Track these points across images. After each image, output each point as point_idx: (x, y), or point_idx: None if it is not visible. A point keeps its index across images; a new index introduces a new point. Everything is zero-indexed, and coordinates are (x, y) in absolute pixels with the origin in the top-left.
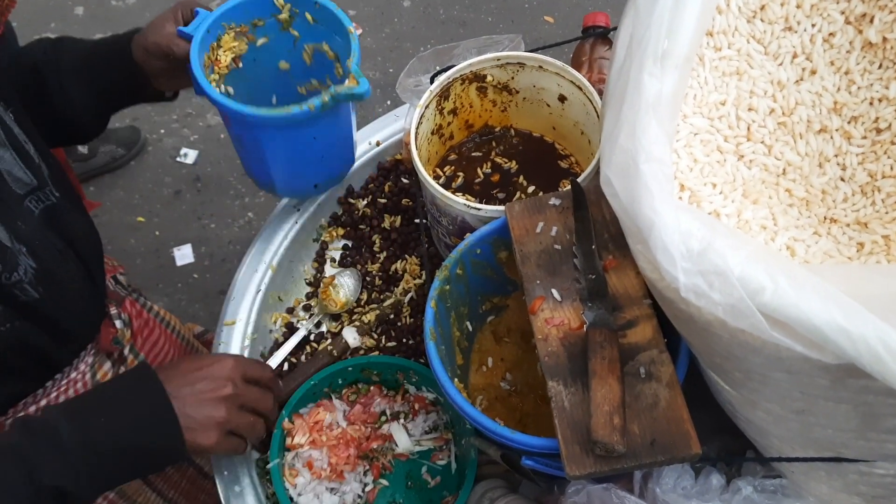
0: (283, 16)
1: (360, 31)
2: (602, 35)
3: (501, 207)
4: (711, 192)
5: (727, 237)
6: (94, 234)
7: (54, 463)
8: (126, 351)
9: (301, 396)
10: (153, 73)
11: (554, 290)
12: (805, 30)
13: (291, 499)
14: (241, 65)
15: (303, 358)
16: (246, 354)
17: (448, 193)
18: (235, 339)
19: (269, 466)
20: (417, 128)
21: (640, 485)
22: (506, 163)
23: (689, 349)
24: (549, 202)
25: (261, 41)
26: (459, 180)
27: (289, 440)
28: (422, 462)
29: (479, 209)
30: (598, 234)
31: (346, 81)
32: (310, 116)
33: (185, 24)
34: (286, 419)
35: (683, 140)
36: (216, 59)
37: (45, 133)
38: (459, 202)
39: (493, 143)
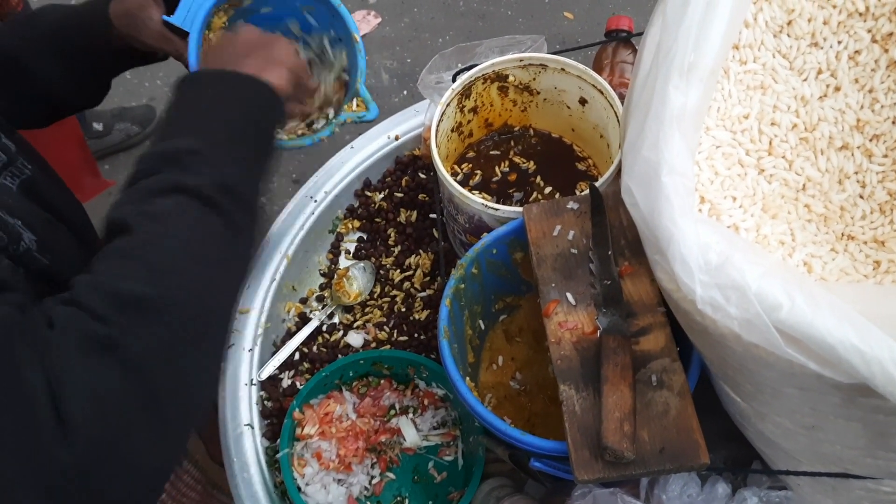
0: None
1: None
2: (625, 39)
3: (519, 208)
4: (731, 206)
5: (745, 252)
6: (76, 203)
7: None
8: None
9: (312, 387)
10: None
11: (569, 294)
12: (831, 46)
13: (299, 488)
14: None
15: (314, 349)
16: (259, 343)
17: (466, 192)
18: (249, 327)
19: (278, 455)
20: (438, 125)
21: (646, 490)
22: (524, 162)
23: (701, 359)
24: (566, 206)
25: (247, 2)
26: (477, 178)
27: (299, 430)
28: (429, 457)
29: (496, 209)
30: (615, 239)
31: (354, 104)
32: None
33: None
34: (297, 409)
35: (705, 152)
36: (208, 39)
37: (39, 111)
38: (477, 201)
39: (512, 143)
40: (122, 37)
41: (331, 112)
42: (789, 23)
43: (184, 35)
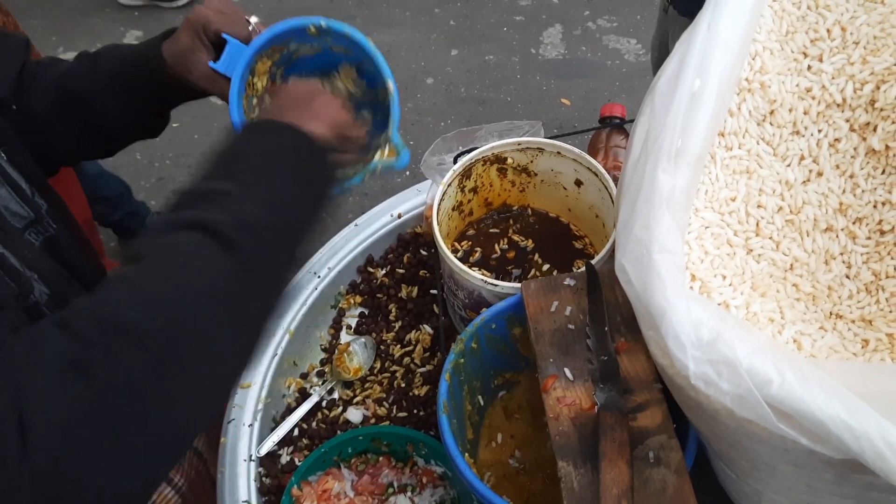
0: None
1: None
2: (618, 125)
3: (517, 284)
4: (721, 284)
5: (736, 329)
6: (97, 264)
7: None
8: None
9: (310, 464)
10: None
11: (566, 370)
12: (812, 135)
13: None
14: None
15: (314, 424)
16: (259, 418)
17: (465, 268)
18: (249, 401)
19: None
20: (439, 204)
21: None
22: (522, 241)
23: (698, 436)
24: (563, 282)
25: (293, 46)
26: (477, 255)
27: None
28: None
29: (495, 285)
30: (611, 316)
31: (386, 151)
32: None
33: (212, 44)
34: (295, 486)
35: (695, 233)
36: (252, 86)
37: (102, 143)
38: (477, 277)
39: (511, 221)
40: (175, 74)
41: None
42: (771, 112)
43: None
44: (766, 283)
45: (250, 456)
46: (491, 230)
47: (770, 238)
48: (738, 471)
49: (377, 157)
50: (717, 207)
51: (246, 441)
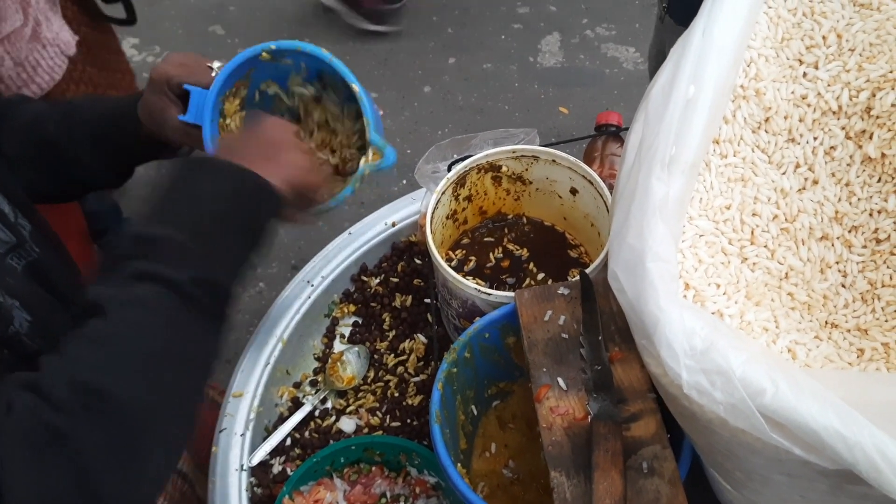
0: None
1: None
2: (614, 133)
3: (511, 293)
4: (715, 293)
5: (730, 338)
6: (82, 287)
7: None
8: None
9: (302, 474)
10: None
11: (560, 379)
12: (807, 142)
13: None
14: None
15: (306, 434)
16: (251, 428)
17: (459, 277)
18: (242, 411)
19: None
20: (433, 212)
21: None
22: (517, 249)
23: (693, 447)
24: (557, 291)
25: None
26: (471, 264)
27: None
28: None
29: (489, 294)
30: (605, 325)
31: (370, 155)
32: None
33: (179, 97)
34: (287, 496)
35: (689, 241)
36: (226, 128)
37: (69, 189)
38: (470, 286)
39: (506, 230)
40: (149, 133)
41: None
42: (767, 119)
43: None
44: (760, 291)
45: (242, 465)
46: (485, 239)
47: (765, 246)
48: (733, 481)
49: (362, 162)
50: (711, 215)
51: (237, 450)
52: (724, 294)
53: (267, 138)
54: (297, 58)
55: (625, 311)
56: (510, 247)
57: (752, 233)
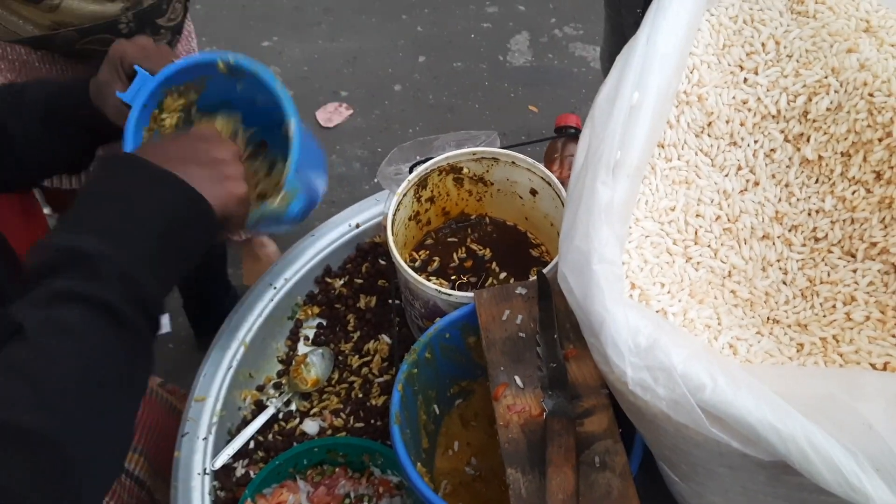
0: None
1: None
2: (573, 135)
3: (471, 294)
4: (660, 292)
5: (672, 335)
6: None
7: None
8: None
9: (265, 476)
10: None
11: (517, 377)
12: (748, 145)
13: None
14: (193, 111)
15: (270, 437)
16: (213, 432)
17: (420, 278)
18: (204, 415)
19: None
20: (395, 214)
21: None
22: (480, 249)
23: (643, 441)
24: (515, 291)
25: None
26: (435, 264)
27: None
28: None
29: (449, 294)
30: (561, 324)
31: (278, 198)
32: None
33: (129, 78)
34: (249, 499)
35: (635, 242)
36: (161, 124)
37: (19, 176)
38: (431, 287)
39: (469, 230)
40: (97, 108)
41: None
42: (709, 124)
43: None
44: (703, 290)
45: (205, 469)
46: (449, 239)
47: (708, 246)
48: (680, 473)
49: (269, 203)
50: (656, 217)
51: (200, 454)
52: (668, 293)
53: (206, 147)
54: (248, 79)
55: (574, 310)
56: (473, 247)
57: (696, 233)
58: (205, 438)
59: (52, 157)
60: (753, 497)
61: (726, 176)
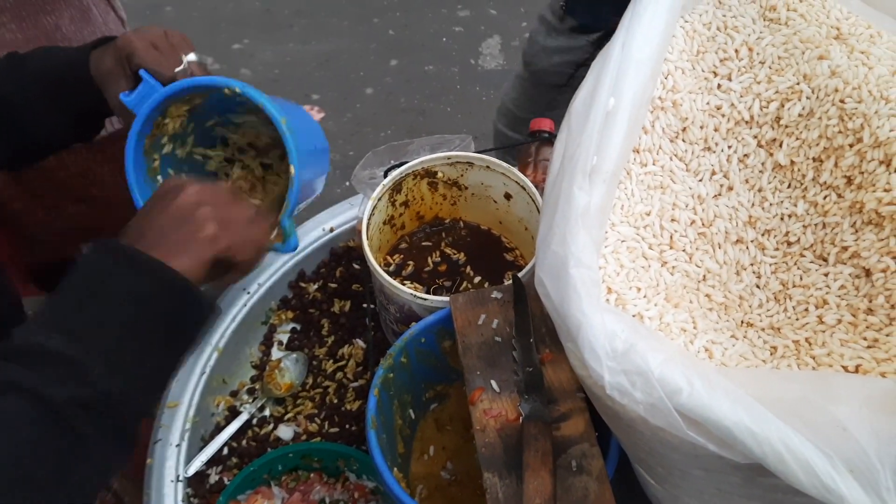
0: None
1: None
2: (547, 139)
3: (446, 298)
4: (636, 296)
5: (649, 339)
6: (15, 303)
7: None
8: None
9: (239, 483)
10: None
11: (493, 382)
12: (722, 150)
13: None
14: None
15: (244, 443)
16: (186, 438)
17: (395, 283)
18: (177, 421)
19: None
20: (370, 218)
21: None
22: (454, 253)
23: (619, 444)
24: (491, 295)
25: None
26: (410, 268)
27: None
28: None
29: (424, 299)
30: (537, 328)
31: (274, 233)
32: None
33: (135, 74)
34: None
35: (611, 246)
36: (163, 129)
37: (25, 153)
38: (406, 291)
39: (443, 234)
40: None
41: None
42: (684, 129)
43: None
44: (679, 294)
45: (178, 476)
46: (423, 243)
47: (683, 251)
48: (656, 476)
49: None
50: (632, 222)
51: (173, 461)
52: (644, 297)
53: (179, 211)
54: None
55: (550, 314)
56: (448, 251)
57: (671, 238)
58: (178, 445)
59: (57, 129)
60: (728, 499)
61: (700, 181)
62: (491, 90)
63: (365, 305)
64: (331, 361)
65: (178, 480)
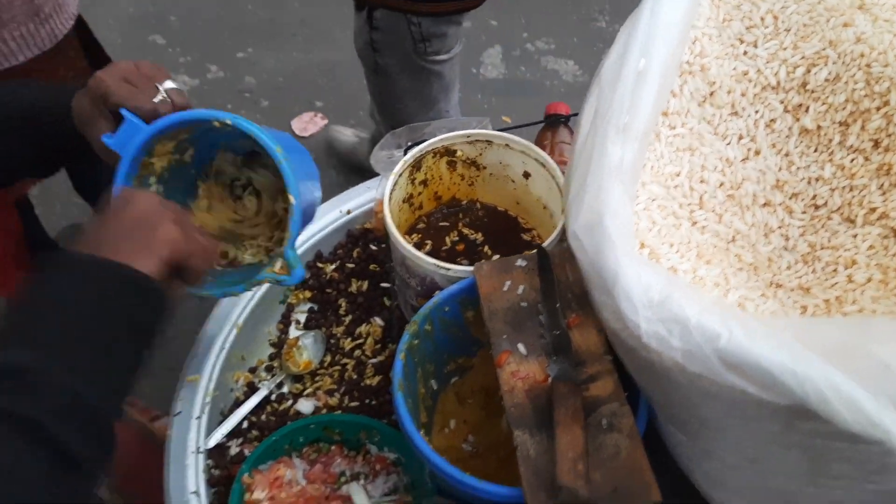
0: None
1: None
2: (563, 122)
3: (470, 268)
4: (669, 251)
5: (685, 290)
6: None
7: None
8: None
9: (261, 453)
10: None
11: (520, 345)
12: (749, 115)
13: None
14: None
15: (263, 417)
16: (206, 411)
17: (418, 253)
18: (197, 395)
19: None
20: (391, 193)
21: None
22: (472, 234)
23: (648, 405)
24: (515, 263)
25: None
26: (427, 247)
27: (247, 496)
28: None
29: (448, 269)
30: (562, 294)
31: (277, 265)
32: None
33: (114, 113)
34: (246, 474)
35: (643, 204)
36: (150, 169)
37: None
38: (429, 262)
39: (460, 215)
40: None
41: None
42: (711, 94)
43: None
44: (710, 252)
45: (198, 448)
46: (441, 224)
47: (713, 211)
48: (689, 432)
49: (268, 269)
50: (662, 181)
51: (194, 434)
52: (676, 252)
53: (134, 216)
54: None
55: (584, 270)
56: (465, 231)
57: (701, 198)
58: (198, 418)
59: (25, 164)
60: (765, 449)
61: (728, 144)
62: (492, 98)
63: (384, 285)
64: (349, 339)
65: (198, 452)
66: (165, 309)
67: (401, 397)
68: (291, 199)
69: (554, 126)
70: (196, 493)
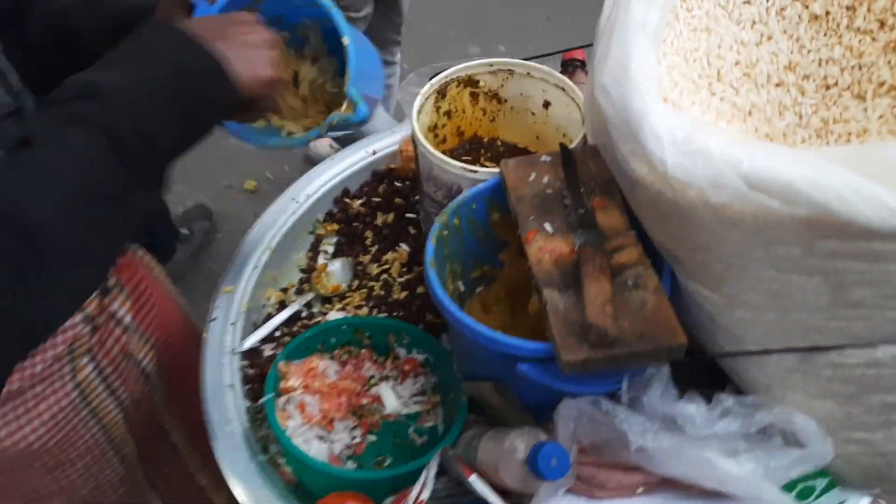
0: None
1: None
2: (580, 66)
3: (496, 169)
4: (691, 107)
5: (708, 128)
6: None
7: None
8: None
9: (294, 347)
10: None
11: (546, 224)
12: (761, 3)
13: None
14: None
15: (295, 329)
16: (239, 324)
17: (445, 157)
18: (233, 304)
19: (262, 401)
20: (418, 116)
21: (628, 398)
22: (494, 167)
23: (671, 272)
24: (540, 159)
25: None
26: None
27: (283, 383)
28: (409, 423)
29: (475, 171)
30: (586, 183)
31: (343, 106)
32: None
33: (187, 11)
34: (282, 361)
35: (664, 69)
36: None
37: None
38: (457, 166)
39: (482, 151)
40: None
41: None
42: None
43: None
44: (729, 117)
45: (233, 349)
46: (463, 158)
47: (730, 85)
48: (711, 283)
49: (334, 113)
50: (681, 55)
51: (229, 337)
52: (698, 109)
53: (233, 22)
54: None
55: (609, 120)
56: (487, 164)
57: (719, 72)
58: (233, 323)
59: None
60: (787, 280)
61: (742, 29)
62: None
63: (410, 215)
64: (375, 265)
65: (233, 352)
66: (229, 104)
67: (433, 273)
68: (345, 39)
69: (571, 69)
70: (232, 386)
